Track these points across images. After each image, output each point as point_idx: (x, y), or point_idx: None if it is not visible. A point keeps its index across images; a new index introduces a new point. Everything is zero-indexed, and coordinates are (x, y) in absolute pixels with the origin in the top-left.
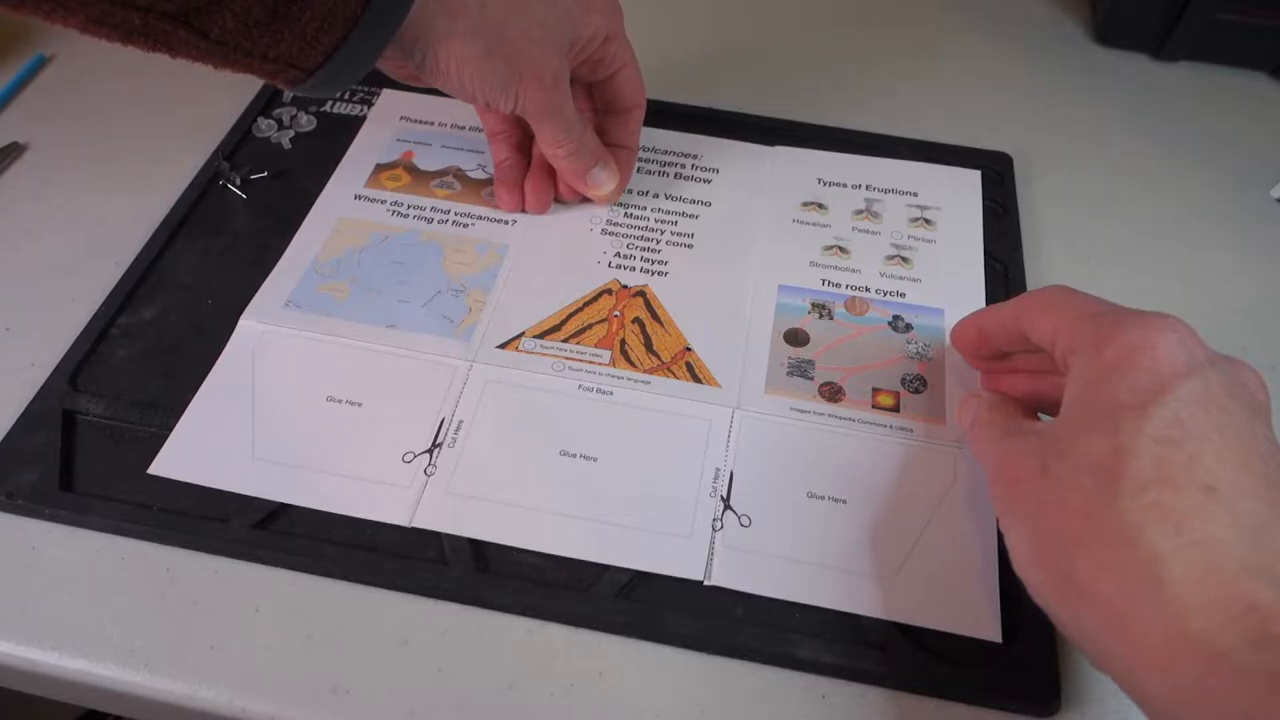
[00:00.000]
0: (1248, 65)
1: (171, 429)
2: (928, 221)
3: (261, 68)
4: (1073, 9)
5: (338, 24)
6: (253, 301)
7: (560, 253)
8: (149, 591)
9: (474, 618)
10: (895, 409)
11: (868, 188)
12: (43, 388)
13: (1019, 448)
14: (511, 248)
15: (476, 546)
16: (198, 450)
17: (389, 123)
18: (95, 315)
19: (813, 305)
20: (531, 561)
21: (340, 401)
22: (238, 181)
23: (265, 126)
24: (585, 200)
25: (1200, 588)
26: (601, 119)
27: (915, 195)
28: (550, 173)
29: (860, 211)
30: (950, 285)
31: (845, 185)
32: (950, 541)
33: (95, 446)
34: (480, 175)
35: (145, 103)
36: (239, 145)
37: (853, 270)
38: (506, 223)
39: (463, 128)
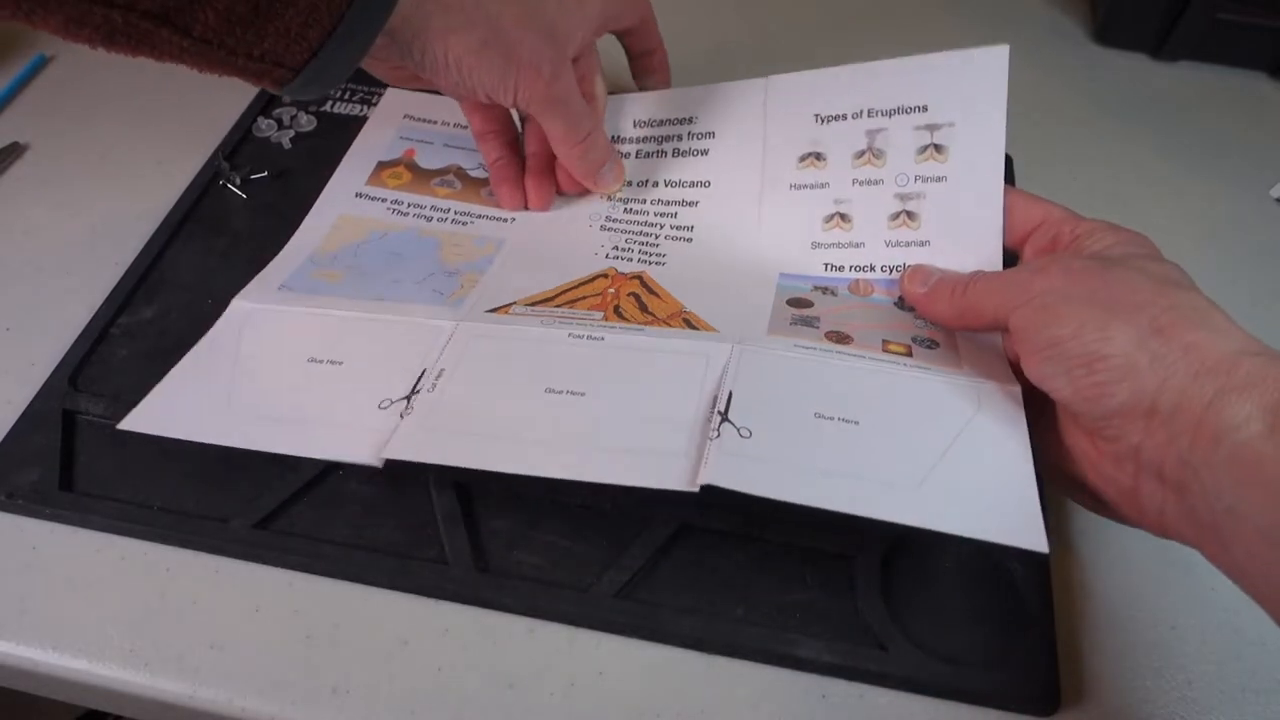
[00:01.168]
0: (1247, 65)
1: None
2: (938, 149)
3: (247, 67)
4: (1073, 9)
5: (322, 19)
6: (247, 286)
7: (557, 245)
8: (149, 591)
9: (474, 618)
10: (908, 354)
11: (869, 113)
12: (43, 388)
13: (1062, 261)
14: (507, 242)
15: (477, 546)
16: (173, 408)
17: (392, 120)
18: (95, 315)
19: (815, 288)
20: (532, 561)
21: (321, 362)
22: (238, 181)
23: (265, 126)
24: (586, 191)
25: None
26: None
27: (924, 110)
28: (549, 169)
29: (861, 153)
30: (963, 243)
31: (845, 117)
32: (979, 459)
33: (95, 446)
34: (481, 174)
35: (145, 103)
36: (239, 145)
37: (856, 245)
38: (505, 220)
39: (465, 126)
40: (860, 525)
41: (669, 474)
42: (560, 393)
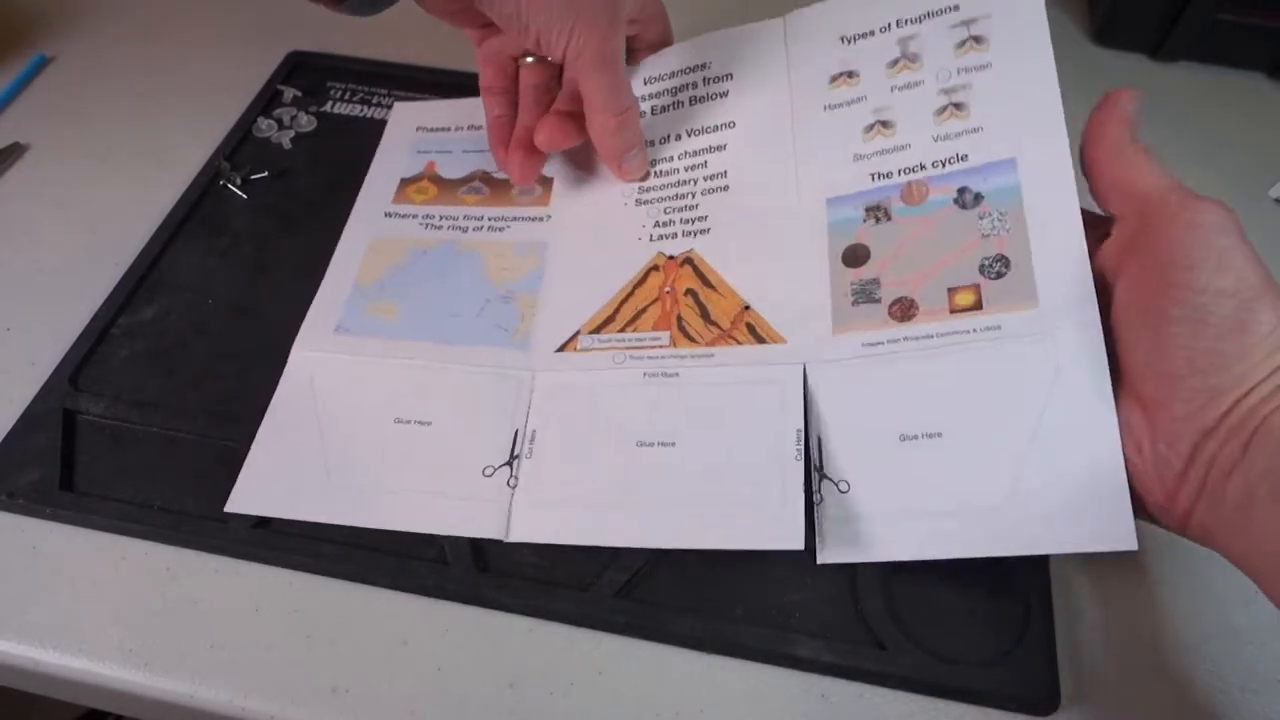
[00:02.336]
0: (1246, 65)
1: (172, 429)
2: (977, 40)
3: None
4: (1072, 9)
5: None
6: (302, 330)
7: (599, 237)
8: (149, 591)
9: (474, 617)
10: (977, 306)
11: (898, 24)
12: (43, 387)
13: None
14: (550, 246)
15: (476, 546)
16: (271, 482)
17: (405, 135)
18: (95, 315)
19: (866, 210)
20: (531, 561)
21: (409, 422)
22: (238, 181)
23: (265, 126)
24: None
25: None
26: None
27: (956, 9)
28: (534, 145)
29: (895, 61)
30: (1019, 120)
31: (873, 33)
32: (1063, 448)
33: (96, 446)
34: (505, 175)
35: (145, 103)
36: (239, 145)
37: (901, 147)
38: (542, 220)
39: (479, 127)
40: None
41: (777, 534)
42: (651, 445)
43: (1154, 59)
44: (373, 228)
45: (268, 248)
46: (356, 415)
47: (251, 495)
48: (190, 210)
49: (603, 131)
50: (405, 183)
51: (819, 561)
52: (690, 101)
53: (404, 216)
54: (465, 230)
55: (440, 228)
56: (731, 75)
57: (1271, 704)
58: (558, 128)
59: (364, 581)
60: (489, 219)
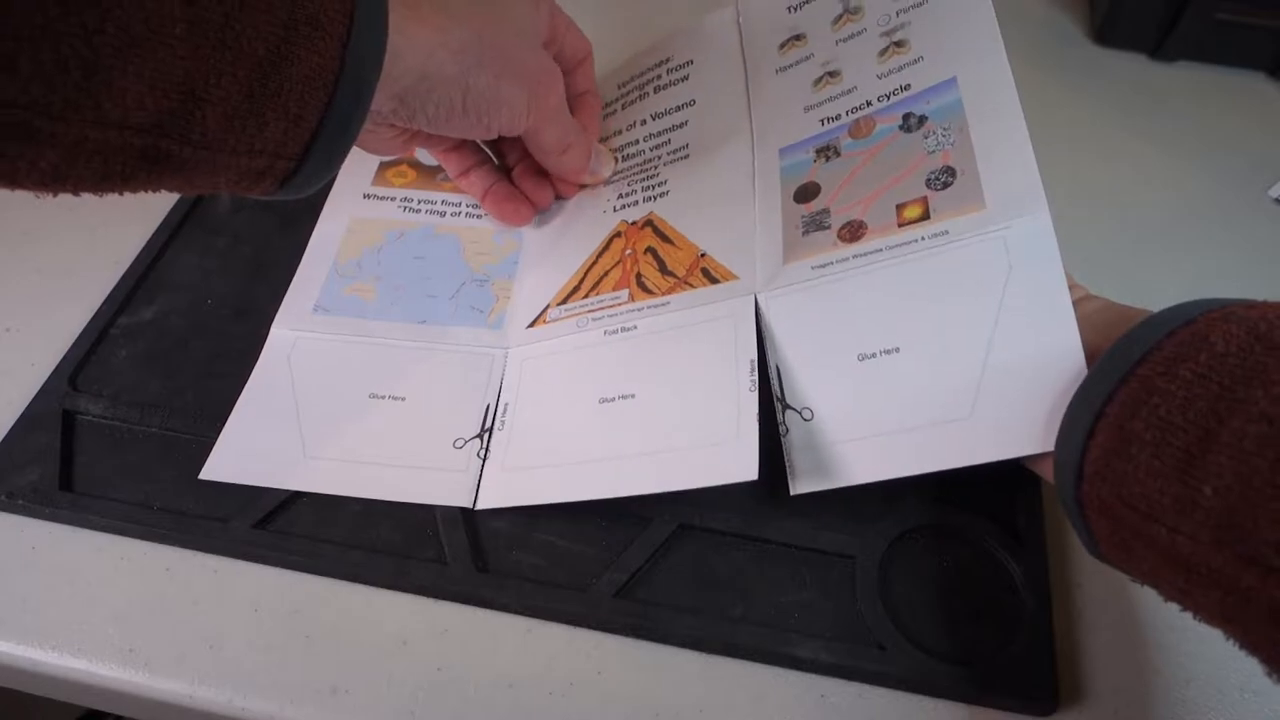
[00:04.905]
0: (1246, 65)
1: (171, 429)
2: None
3: (250, 165)
4: (1072, 9)
5: (321, 84)
6: (281, 309)
7: (570, 220)
8: (149, 591)
9: (474, 617)
10: (925, 216)
11: None
12: (43, 388)
13: None
14: (525, 234)
15: (476, 546)
16: (247, 453)
17: None
18: (95, 315)
19: (816, 152)
20: (531, 561)
21: (383, 398)
22: None
23: None
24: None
25: None
26: None
27: None
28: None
29: (838, 17)
30: (957, 42)
31: None
32: (1022, 347)
33: (95, 446)
34: None
35: None
36: None
37: (848, 91)
38: None
39: None
40: (861, 523)
41: (732, 467)
42: (612, 400)
43: (1154, 59)
44: (351, 208)
45: (267, 248)
46: (332, 390)
47: (226, 464)
48: (189, 210)
49: (560, 166)
50: (384, 166)
51: (792, 493)
52: (655, 91)
53: (382, 199)
54: (444, 215)
55: (419, 211)
56: (691, 61)
57: (1272, 704)
58: (505, 203)
59: (364, 581)
60: (467, 205)
